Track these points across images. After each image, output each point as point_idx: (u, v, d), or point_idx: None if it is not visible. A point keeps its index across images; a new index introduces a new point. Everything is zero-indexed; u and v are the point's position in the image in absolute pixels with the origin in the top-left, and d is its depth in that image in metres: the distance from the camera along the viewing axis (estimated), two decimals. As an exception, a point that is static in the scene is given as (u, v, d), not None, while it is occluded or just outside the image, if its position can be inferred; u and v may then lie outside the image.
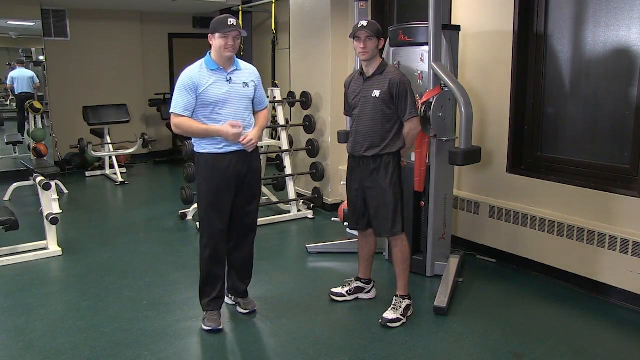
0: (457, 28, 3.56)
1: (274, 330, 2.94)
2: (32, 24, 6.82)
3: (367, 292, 3.30)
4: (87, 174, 7.15)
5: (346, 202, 3.56)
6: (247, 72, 2.90)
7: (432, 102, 3.21)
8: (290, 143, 5.36)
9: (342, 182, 4.85)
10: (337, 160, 5.16)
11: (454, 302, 3.21)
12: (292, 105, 5.50)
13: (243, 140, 2.77)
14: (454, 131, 3.40)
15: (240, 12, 7.15)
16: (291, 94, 5.43)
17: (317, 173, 5.19)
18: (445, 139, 3.33)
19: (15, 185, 5.83)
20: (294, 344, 2.77)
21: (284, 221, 4.96)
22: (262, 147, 5.42)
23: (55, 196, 5.17)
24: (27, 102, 6.96)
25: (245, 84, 2.84)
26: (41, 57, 7.24)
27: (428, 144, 3.40)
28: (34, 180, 4.25)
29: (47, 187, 4.13)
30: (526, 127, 3.78)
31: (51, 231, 4.08)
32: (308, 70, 5.34)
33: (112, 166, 7.02)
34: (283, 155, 5.21)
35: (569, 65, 3.59)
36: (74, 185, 6.53)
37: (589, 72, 3.49)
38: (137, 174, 7.33)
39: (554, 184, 3.53)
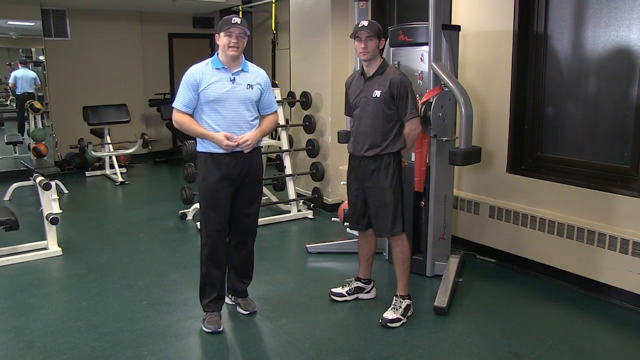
0: (457, 28, 3.56)
1: (274, 330, 2.94)
2: (32, 24, 6.83)
3: (367, 292, 3.30)
4: (87, 174, 7.15)
5: (346, 202, 3.56)
6: (254, 74, 2.89)
7: (432, 102, 3.21)
8: (290, 143, 5.36)
9: (342, 182, 4.85)
10: (337, 160, 5.16)
11: (454, 302, 3.21)
12: (292, 105, 5.50)
13: (239, 140, 2.77)
14: (454, 131, 3.40)
15: (240, 12, 7.15)
16: (291, 94, 5.43)
17: (317, 173, 5.20)
18: (445, 139, 3.33)
19: (15, 185, 5.83)
20: (294, 344, 2.77)
21: (284, 221, 4.96)
22: (262, 147, 5.42)
23: (55, 196, 5.17)
24: (27, 102, 6.97)
25: (250, 86, 2.84)
26: (41, 57, 7.24)
27: (428, 144, 3.40)
28: (34, 180, 4.25)
29: (47, 187, 4.13)
30: (526, 127, 3.78)
31: (51, 231, 4.08)
32: (308, 70, 5.34)
33: (112, 166, 7.02)
34: (283, 155, 5.21)
35: (569, 65, 3.59)
36: (74, 185, 6.53)
37: (589, 72, 3.49)
38: (137, 174, 7.33)
39: (554, 184, 3.53)
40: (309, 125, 5.22)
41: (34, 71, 7.33)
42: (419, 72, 3.48)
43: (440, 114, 3.25)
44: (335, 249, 4.12)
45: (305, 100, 5.23)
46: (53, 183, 4.62)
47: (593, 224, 3.28)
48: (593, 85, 3.49)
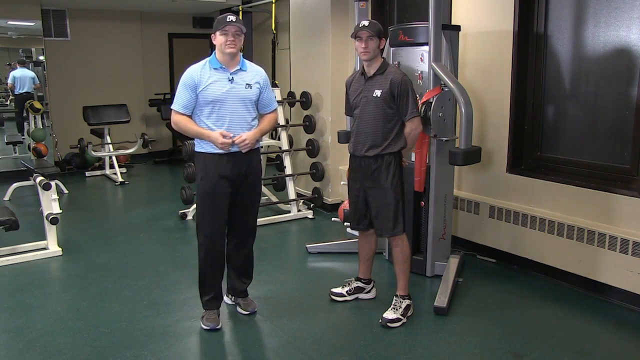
0: (457, 28, 3.56)
1: (274, 330, 2.94)
2: (32, 24, 6.82)
3: (367, 292, 3.30)
4: (87, 174, 7.15)
5: (347, 202, 3.56)
6: (252, 73, 2.87)
7: (432, 102, 3.21)
8: (290, 143, 5.36)
9: (342, 182, 4.85)
10: (337, 160, 5.16)
11: (454, 302, 3.21)
12: (292, 105, 5.50)
13: (237, 139, 2.75)
14: (454, 131, 3.40)
15: (240, 12, 7.15)
16: (291, 94, 5.43)
17: (317, 173, 5.19)
18: (445, 139, 3.33)
19: (15, 185, 5.83)
20: (294, 344, 2.77)
21: (284, 221, 4.96)
22: (262, 147, 5.42)
23: (55, 196, 5.17)
24: (27, 102, 6.97)
25: (249, 85, 2.82)
26: (41, 57, 7.24)
27: (428, 144, 3.40)
28: (34, 180, 4.25)
29: (47, 187, 4.13)
30: (526, 127, 3.78)
31: (51, 231, 4.08)
32: (308, 70, 5.34)
33: (112, 166, 7.02)
34: (283, 155, 5.21)
35: (569, 65, 3.59)
36: (74, 185, 6.53)
37: (589, 72, 3.49)
38: (137, 174, 7.33)
39: (554, 184, 3.53)
40: (309, 125, 5.22)
41: (34, 71, 7.33)
42: (419, 72, 3.48)
43: (440, 114, 3.25)
44: (335, 249, 4.12)
45: (305, 100, 5.23)
46: (53, 183, 4.62)
47: (593, 224, 3.28)
48: (593, 85, 3.49)
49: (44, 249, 4.09)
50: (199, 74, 2.75)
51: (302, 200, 5.23)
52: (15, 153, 7.25)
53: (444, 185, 3.55)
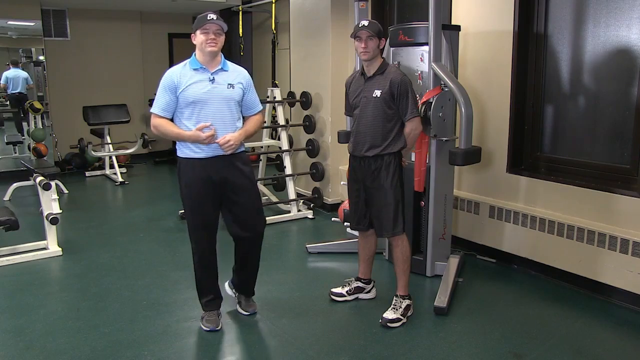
0: (457, 28, 3.56)
1: (274, 330, 2.94)
2: (32, 24, 6.82)
3: (367, 292, 3.30)
4: (87, 174, 7.15)
5: (347, 202, 3.56)
6: (234, 73, 2.79)
7: (432, 102, 3.21)
8: (290, 143, 5.36)
9: (342, 182, 4.85)
10: (337, 160, 5.16)
11: (454, 302, 3.21)
12: (292, 105, 5.50)
13: (220, 141, 2.66)
14: (454, 131, 3.40)
15: (240, 12, 7.15)
16: (291, 94, 5.43)
17: (317, 173, 5.19)
18: (445, 139, 3.34)
19: (15, 185, 5.83)
20: (294, 344, 2.77)
21: (284, 221, 4.96)
22: (262, 147, 5.44)
23: (55, 196, 5.17)
24: (27, 102, 6.97)
25: (231, 85, 2.73)
26: (41, 57, 7.25)
27: (428, 144, 3.40)
28: (34, 180, 4.25)
29: (47, 187, 4.13)
30: (526, 127, 3.78)
31: (51, 231, 4.08)
32: (308, 70, 5.34)
33: (112, 166, 7.02)
34: (283, 155, 5.21)
35: (568, 65, 3.59)
36: (74, 185, 6.53)
37: (588, 72, 3.49)
38: (137, 174, 7.34)
39: (554, 184, 3.53)
40: (309, 125, 5.22)
41: (32, 71, 7.33)
42: (419, 72, 3.48)
43: (440, 114, 3.25)
44: (335, 249, 4.11)
45: (305, 100, 5.23)
46: (53, 183, 4.62)
47: (593, 224, 3.28)
48: (593, 85, 3.49)
49: (44, 249, 4.08)
50: (178, 75, 2.67)
51: (302, 200, 5.23)
52: (15, 153, 7.25)
53: (444, 185, 3.55)
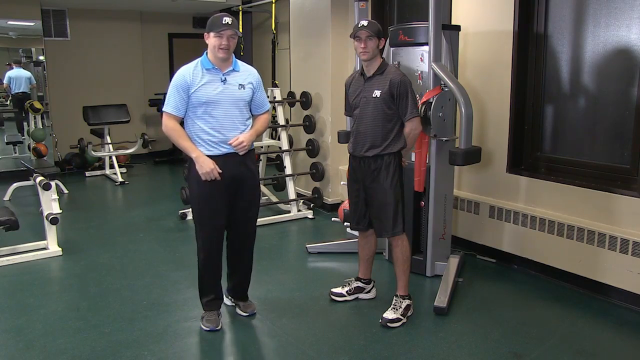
0: (457, 28, 3.56)
1: (274, 330, 2.94)
2: (32, 24, 6.82)
3: (367, 292, 3.30)
4: (87, 174, 7.15)
5: (347, 202, 3.56)
6: (245, 73, 2.83)
7: (432, 102, 3.21)
8: (290, 143, 5.36)
9: (342, 182, 4.85)
10: (337, 160, 5.16)
11: (454, 302, 3.21)
12: (292, 105, 5.50)
13: (233, 142, 2.71)
14: (454, 131, 3.40)
15: (240, 12, 7.15)
16: (291, 94, 5.43)
17: (317, 173, 5.19)
18: (445, 139, 3.34)
19: (15, 185, 5.83)
20: (294, 344, 2.77)
21: (284, 221, 4.96)
22: (262, 147, 5.44)
23: (55, 196, 5.17)
24: (27, 102, 6.97)
25: (242, 86, 2.77)
26: (41, 57, 7.24)
27: (428, 144, 3.40)
28: (34, 180, 4.25)
29: (47, 187, 4.13)
30: (526, 127, 3.78)
31: (51, 231, 4.08)
32: (308, 70, 5.34)
33: (112, 166, 7.02)
34: (283, 155, 5.21)
35: (569, 65, 3.59)
36: (74, 185, 6.53)
37: (588, 72, 3.49)
38: (137, 174, 7.33)
39: (554, 184, 3.53)
40: (309, 125, 5.22)
41: (32, 71, 7.33)
42: (419, 72, 3.48)
43: (440, 114, 3.25)
44: (335, 249, 4.11)
45: (305, 100, 5.23)
46: (53, 183, 4.62)
47: (593, 224, 3.28)
48: (593, 85, 3.49)
49: (44, 249, 4.08)
50: (191, 75, 2.69)
51: (302, 200, 5.23)
52: (15, 153, 7.24)
53: (444, 185, 3.55)
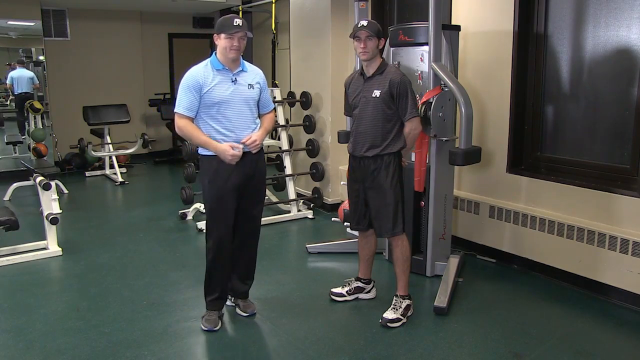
0: (457, 28, 3.56)
1: (274, 330, 2.94)
2: (32, 24, 6.83)
3: (367, 292, 3.30)
4: (87, 174, 7.15)
5: (347, 202, 3.56)
6: (252, 73, 2.87)
7: (432, 102, 3.21)
8: (290, 143, 5.36)
9: (342, 182, 4.85)
10: (337, 160, 5.16)
11: (454, 302, 3.21)
12: (292, 105, 5.50)
13: (247, 141, 2.76)
14: (454, 131, 3.40)
15: (240, 12, 7.15)
16: (291, 94, 5.43)
17: (317, 173, 5.19)
18: (445, 139, 3.34)
19: (15, 185, 5.83)
20: (294, 344, 2.77)
21: (284, 221, 4.96)
22: (262, 147, 5.43)
23: (55, 196, 5.17)
24: (27, 102, 6.97)
25: (251, 86, 2.82)
26: (41, 57, 7.25)
27: (428, 144, 3.40)
28: (34, 180, 4.25)
29: (47, 187, 4.13)
30: (526, 127, 3.78)
31: (51, 231, 4.08)
32: (308, 70, 5.34)
33: (112, 166, 7.02)
34: (283, 155, 5.21)
35: (569, 65, 3.59)
36: (74, 185, 6.53)
37: (588, 72, 3.49)
38: (137, 174, 7.33)
39: (554, 184, 3.53)
40: (309, 125, 5.22)
41: (34, 71, 7.33)
42: (419, 72, 3.48)
43: (440, 114, 3.25)
44: (335, 249, 4.11)
45: (305, 100, 5.23)
46: (53, 183, 4.62)
47: (593, 224, 3.28)
48: (593, 85, 3.48)
49: (44, 249, 4.08)
50: (202, 76, 2.72)
51: (302, 200, 5.23)
52: (15, 153, 7.24)
53: (444, 185, 3.55)
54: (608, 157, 3.40)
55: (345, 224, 4.35)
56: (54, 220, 4.05)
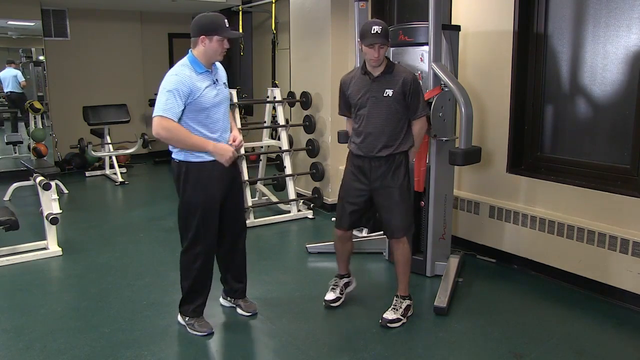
0: (457, 28, 3.56)
1: (274, 330, 2.94)
2: (32, 24, 6.83)
3: (350, 285, 3.30)
4: (87, 174, 7.15)
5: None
6: (221, 70, 2.79)
7: (432, 102, 3.21)
8: (290, 143, 5.36)
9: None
10: (337, 160, 5.15)
11: (454, 302, 3.21)
12: (292, 105, 5.50)
13: (234, 141, 2.76)
14: (454, 131, 3.40)
15: (240, 12, 7.15)
16: (291, 94, 5.43)
17: (317, 173, 5.19)
18: (445, 139, 3.34)
19: (15, 185, 5.83)
20: (294, 344, 2.77)
21: (284, 221, 4.96)
22: (262, 147, 5.44)
23: (55, 196, 5.17)
24: (27, 102, 6.97)
25: (225, 84, 2.78)
26: (41, 57, 7.25)
27: (428, 144, 3.40)
28: (34, 180, 4.25)
29: (47, 187, 4.13)
30: (526, 127, 3.78)
31: (51, 231, 4.08)
32: (308, 70, 5.34)
33: (112, 166, 7.02)
34: (283, 155, 5.21)
35: (569, 65, 3.59)
36: (74, 185, 6.53)
37: (588, 72, 3.49)
38: (137, 174, 7.34)
39: (554, 184, 3.53)
40: (309, 125, 5.22)
41: (34, 71, 7.33)
42: (419, 72, 3.47)
43: (440, 114, 3.25)
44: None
45: (305, 100, 5.23)
46: (53, 183, 4.62)
47: (593, 224, 3.28)
48: (593, 85, 3.48)
49: (44, 249, 4.09)
50: (190, 82, 2.57)
51: (302, 200, 5.23)
52: (15, 153, 7.25)
53: (444, 185, 3.55)
54: (608, 157, 3.40)
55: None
56: (54, 220, 4.05)
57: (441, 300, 3.12)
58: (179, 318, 2.94)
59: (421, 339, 2.82)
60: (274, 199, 5.33)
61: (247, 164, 4.96)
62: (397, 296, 3.05)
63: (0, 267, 3.83)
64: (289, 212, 5.12)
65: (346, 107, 3.10)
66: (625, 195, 3.17)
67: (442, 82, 3.22)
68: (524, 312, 3.16)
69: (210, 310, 3.06)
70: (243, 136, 5.05)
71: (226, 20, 2.63)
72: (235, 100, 5.05)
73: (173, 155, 2.74)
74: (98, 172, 7.18)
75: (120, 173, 6.81)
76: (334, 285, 3.26)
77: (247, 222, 4.69)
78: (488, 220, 3.86)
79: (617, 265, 3.13)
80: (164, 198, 5.95)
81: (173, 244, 4.36)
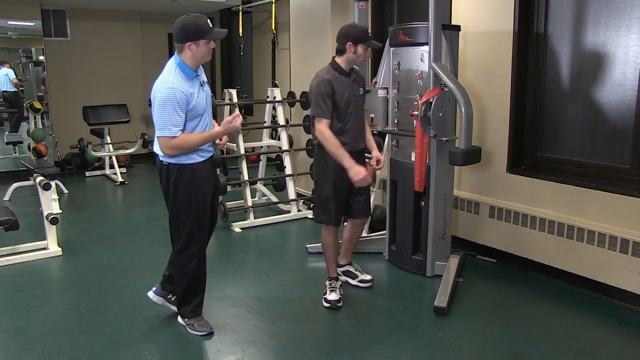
0: (457, 28, 3.56)
1: (274, 330, 2.94)
2: (32, 24, 6.83)
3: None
4: (87, 174, 7.15)
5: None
6: (201, 68, 2.74)
7: (432, 102, 3.21)
8: (290, 143, 5.36)
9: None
10: (337, 160, 5.15)
11: (454, 302, 3.21)
12: (292, 105, 5.50)
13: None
14: (454, 131, 3.40)
15: (240, 12, 7.15)
16: (291, 94, 5.42)
17: (317, 173, 5.19)
18: (445, 139, 3.34)
19: (15, 185, 5.83)
20: (294, 344, 2.77)
21: (284, 221, 4.96)
22: (262, 147, 5.44)
23: (55, 196, 5.17)
24: (28, 102, 6.97)
25: (207, 82, 2.77)
26: (41, 57, 7.25)
27: (428, 144, 3.40)
28: (34, 180, 4.26)
29: (47, 187, 4.13)
30: (526, 127, 3.78)
31: (51, 231, 4.08)
32: (308, 70, 5.31)
33: (112, 166, 7.02)
34: (283, 155, 5.21)
35: (569, 65, 3.59)
36: (74, 185, 6.53)
37: (588, 72, 3.49)
38: (137, 174, 7.33)
39: (554, 184, 3.53)
40: (309, 125, 5.22)
41: (33, 71, 7.33)
42: (419, 72, 3.48)
43: (440, 114, 3.25)
44: (335, 249, 4.10)
45: (305, 100, 5.22)
46: (53, 183, 4.62)
47: (593, 224, 3.28)
48: (593, 85, 3.48)
49: (44, 249, 4.09)
50: (186, 90, 2.53)
51: (302, 200, 5.23)
52: (15, 153, 7.25)
53: (444, 185, 3.55)
54: (608, 157, 3.40)
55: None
56: (54, 220, 4.05)
57: (441, 300, 3.12)
58: (179, 319, 2.95)
59: (421, 339, 2.82)
60: (274, 199, 5.33)
61: (247, 164, 4.97)
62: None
63: (0, 267, 3.83)
64: (289, 212, 5.12)
65: (331, 108, 3.00)
66: (625, 195, 3.17)
67: (442, 82, 3.22)
68: (524, 312, 3.16)
69: (211, 310, 3.06)
70: (243, 136, 5.08)
71: (209, 20, 2.59)
72: (235, 100, 5.06)
73: (161, 158, 2.70)
74: (98, 172, 7.18)
75: (120, 173, 6.81)
76: (332, 287, 3.26)
77: (247, 222, 4.77)
78: (488, 220, 3.86)
79: (617, 265, 3.13)
80: (163, 198, 5.94)
81: (173, 244, 4.37)
